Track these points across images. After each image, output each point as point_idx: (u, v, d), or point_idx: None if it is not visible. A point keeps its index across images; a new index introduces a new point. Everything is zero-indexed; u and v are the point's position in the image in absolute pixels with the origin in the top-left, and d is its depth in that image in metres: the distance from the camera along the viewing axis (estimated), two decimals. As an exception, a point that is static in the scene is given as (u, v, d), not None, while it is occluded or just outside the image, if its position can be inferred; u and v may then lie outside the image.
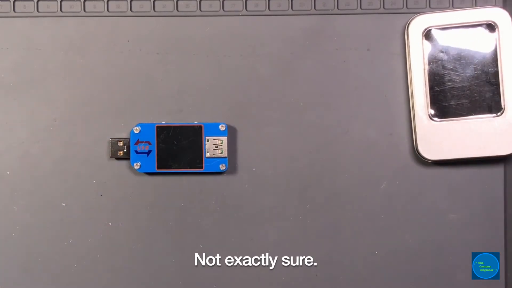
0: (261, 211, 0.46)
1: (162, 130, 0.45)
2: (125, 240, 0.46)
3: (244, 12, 0.47)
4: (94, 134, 0.46)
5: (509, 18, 0.45)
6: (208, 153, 0.45)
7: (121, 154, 0.46)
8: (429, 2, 0.47)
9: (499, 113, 0.45)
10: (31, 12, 0.47)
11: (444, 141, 0.45)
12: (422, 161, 0.46)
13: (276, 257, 0.46)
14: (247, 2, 0.47)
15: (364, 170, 0.46)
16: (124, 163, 0.46)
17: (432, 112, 0.45)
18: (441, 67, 0.45)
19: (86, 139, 0.46)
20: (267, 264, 0.46)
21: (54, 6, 0.47)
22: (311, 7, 0.47)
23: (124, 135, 0.46)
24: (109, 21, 0.47)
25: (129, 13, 0.47)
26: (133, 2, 0.47)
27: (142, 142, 0.46)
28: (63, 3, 0.47)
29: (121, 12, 0.47)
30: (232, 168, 0.46)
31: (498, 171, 0.46)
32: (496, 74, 0.45)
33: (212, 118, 0.46)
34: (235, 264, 0.46)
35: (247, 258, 0.46)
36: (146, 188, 0.46)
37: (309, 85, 0.46)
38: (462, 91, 0.45)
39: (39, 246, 0.46)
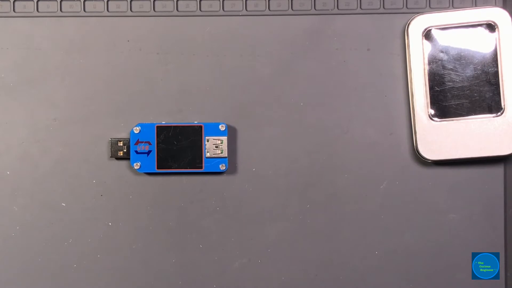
0: (261, 211, 0.46)
1: (162, 130, 0.45)
2: (125, 240, 0.46)
3: (244, 12, 0.47)
4: (94, 134, 0.46)
5: (509, 18, 0.45)
6: (208, 153, 0.45)
7: (121, 154, 0.46)
8: (429, 2, 0.47)
9: (499, 113, 0.45)
10: (31, 12, 0.47)
11: (444, 141, 0.45)
12: (422, 161, 0.46)
13: (276, 257, 0.46)
14: (247, 2, 0.47)
15: (364, 170, 0.46)
16: (124, 163, 0.46)
17: (432, 112, 0.45)
18: (441, 67, 0.45)
19: (86, 139, 0.46)
20: (267, 263, 0.46)
21: (54, 6, 0.47)
22: (311, 7, 0.47)
23: (124, 135, 0.46)
24: (109, 21, 0.47)
25: (129, 13, 0.47)
26: (133, 2, 0.47)
27: (142, 142, 0.46)
28: (63, 3, 0.47)
29: (121, 12, 0.47)
30: (232, 168, 0.46)
31: (498, 171, 0.46)
32: (496, 74, 0.45)
33: (212, 118, 0.46)
34: (235, 264, 0.46)
35: (247, 258, 0.46)
36: (146, 188, 0.46)
37: (309, 85, 0.46)
38: (462, 91, 0.45)
39: (39, 246, 0.46)
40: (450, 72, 0.45)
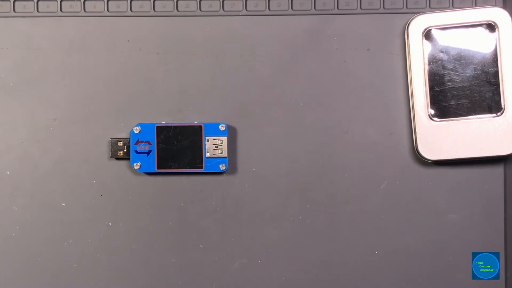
0: (261, 211, 0.46)
1: (162, 130, 0.45)
2: (125, 240, 0.46)
3: (244, 12, 0.47)
4: (94, 134, 0.46)
5: (509, 18, 0.45)
6: (208, 153, 0.45)
7: (121, 154, 0.46)
8: (429, 2, 0.47)
9: (499, 113, 0.45)
10: (31, 12, 0.47)
11: (444, 141, 0.45)
12: (422, 161, 0.46)
13: (276, 257, 0.46)
14: (247, 2, 0.47)
15: (364, 170, 0.46)
16: (124, 163, 0.46)
17: (432, 112, 0.45)
18: (441, 67, 0.45)
19: (86, 139, 0.46)
20: (267, 263, 0.46)
21: (54, 6, 0.47)
22: (311, 7, 0.47)
23: (124, 135, 0.46)
24: (109, 21, 0.47)
25: (129, 13, 0.47)
26: (133, 2, 0.47)
27: (142, 142, 0.46)
28: (63, 3, 0.47)
29: (121, 12, 0.47)
30: (232, 168, 0.46)
31: (498, 171, 0.46)
32: (496, 74, 0.45)
33: (212, 118, 0.46)
34: (235, 264, 0.46)
35: (247, 258, 0.46)
36: (146, 188, 0.46)
37: (309, 85, 0.46)
38: (462, 91, 0.45)
39: (39, 246, 0.46)
40: (450, 72, 0.45)
